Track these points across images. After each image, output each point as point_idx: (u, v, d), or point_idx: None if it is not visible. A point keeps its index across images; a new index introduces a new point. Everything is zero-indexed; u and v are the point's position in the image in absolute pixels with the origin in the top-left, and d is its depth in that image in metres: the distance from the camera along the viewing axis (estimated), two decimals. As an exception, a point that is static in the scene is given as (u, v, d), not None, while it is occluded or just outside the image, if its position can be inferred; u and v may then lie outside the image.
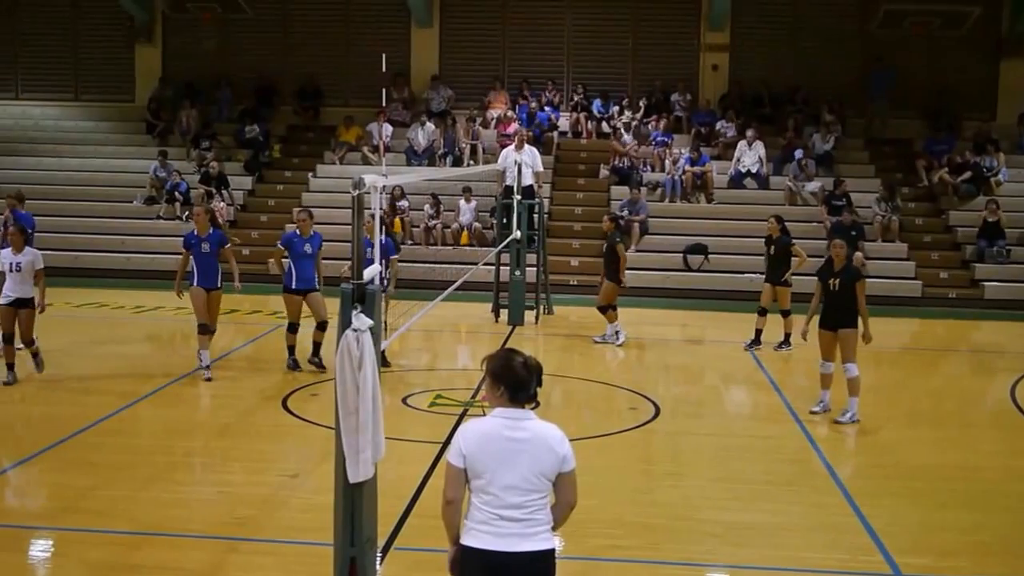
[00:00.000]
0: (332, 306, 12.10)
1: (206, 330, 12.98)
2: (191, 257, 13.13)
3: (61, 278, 20.93)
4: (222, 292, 13.24)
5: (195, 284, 13.02)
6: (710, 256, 22.27)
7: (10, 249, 12.44)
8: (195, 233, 13.14)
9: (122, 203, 24.12)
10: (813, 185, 23.80)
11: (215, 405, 12.21)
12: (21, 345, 12.70)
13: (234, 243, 15.27)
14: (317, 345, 13.47)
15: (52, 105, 27.97)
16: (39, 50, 27.92)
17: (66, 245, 22.71)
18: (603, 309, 16.02)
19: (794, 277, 15.92)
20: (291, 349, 13.55)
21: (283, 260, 13.38)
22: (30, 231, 14.17)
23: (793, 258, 15.76)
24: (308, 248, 13.31)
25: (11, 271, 12.29)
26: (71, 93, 28.07)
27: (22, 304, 12.34)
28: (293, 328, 13.47)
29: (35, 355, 12.67)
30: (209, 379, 12.85)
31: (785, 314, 15.85)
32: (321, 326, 13.33)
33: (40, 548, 7.90)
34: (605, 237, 16.27)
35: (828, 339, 11.67)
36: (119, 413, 11.49)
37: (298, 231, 13.51)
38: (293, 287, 13.31)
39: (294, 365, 13.47)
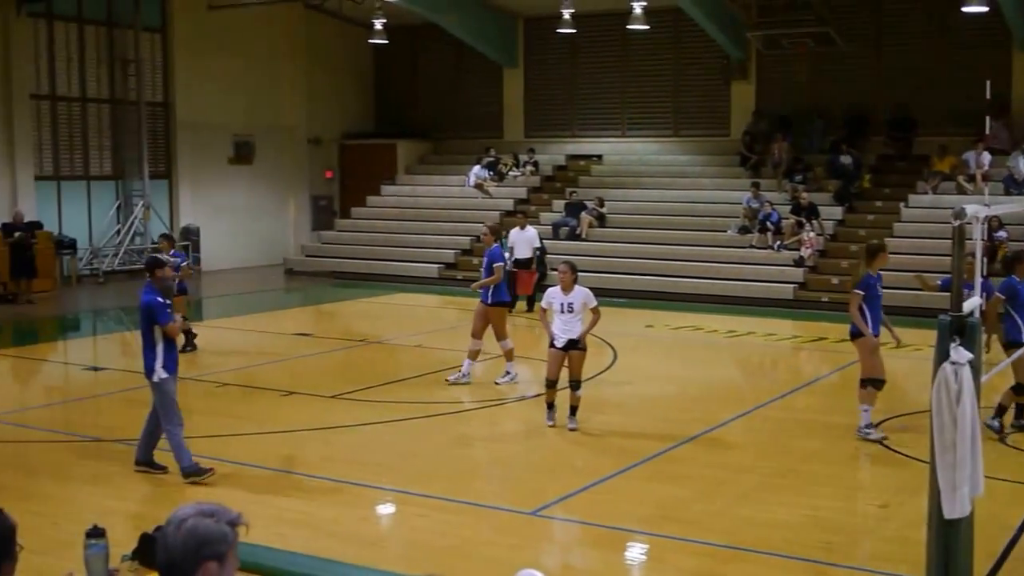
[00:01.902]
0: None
1: (879, 384, 11.53)
2: (864, 301, 11.40)
3: (661, 302, 22.48)
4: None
5: (871, 332, 11.41)
6: None
7: (559, 288, 11.83)
8: (871, 273, 11.48)
9: (717, 232, 25.12)
10: None
11: (802, 430, 12.39)
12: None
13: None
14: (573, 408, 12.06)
15: (654, 141, 29.78)
16: (643, 91, 29.82)
17: (667, 271, 24.10)
18: None
19: None
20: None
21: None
22: (499, 264, 14.34)
23: None
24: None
25: (562, 312, 11.74)
26: (671, 129, 29.70)
27: (572, 345, 11.79)
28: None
29: (574, 408, 11.91)
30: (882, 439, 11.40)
31: None
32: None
33: (639, 551, 8.61)
34: None
35: None
36: (712, 431, 12.08)
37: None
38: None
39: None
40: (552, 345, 11.90)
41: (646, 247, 25.09)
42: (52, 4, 25.13)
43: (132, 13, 26.69)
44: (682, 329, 19.69)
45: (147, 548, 7.23)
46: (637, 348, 17.61)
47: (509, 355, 14.31)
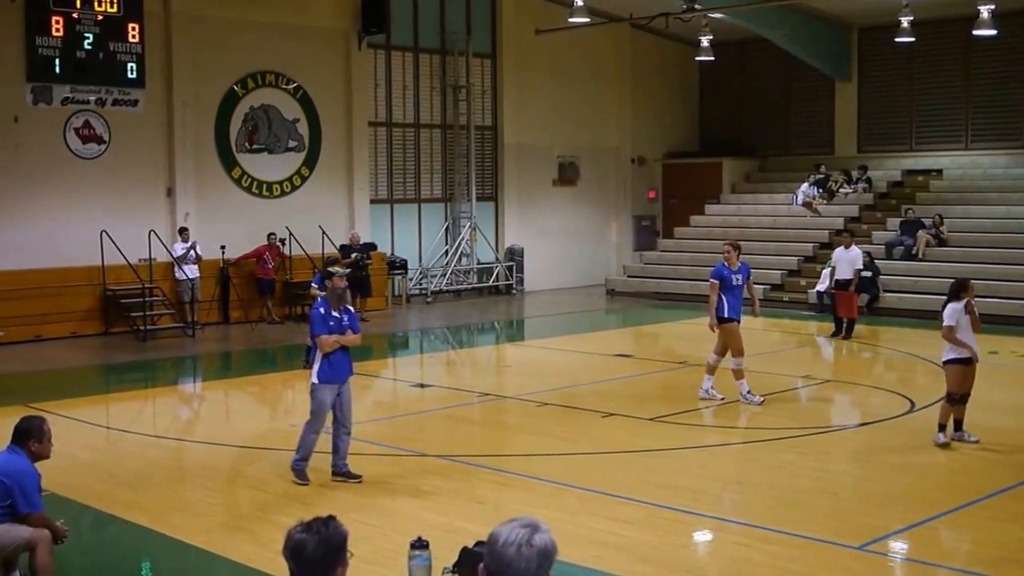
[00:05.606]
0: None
1: None
2: None
3: (1007, 327, 20.97)
4: None
5: None
6: None
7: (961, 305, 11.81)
8: None
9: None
10: None
11: None
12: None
13: None
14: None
15: (1002, 153, 27.93)
16: (989, 100, 28.04)
17: (1015, 293, 22.46)
18: None
19: None
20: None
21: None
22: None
23: None
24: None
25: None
26: (1021, 141, 27.76)
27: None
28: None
29: (959, 422, 11.93)
30: None
31: None
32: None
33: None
34: None
35: None
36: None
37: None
38: None
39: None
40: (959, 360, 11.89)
41: (990, 267, 23.49)
42: (390, 36, 26.36)
43: (464, 41, 27.65)
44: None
45: (467, 561, 7.25)
46: (979, 376, 16.39)
47: (711, 370, 14.54)
